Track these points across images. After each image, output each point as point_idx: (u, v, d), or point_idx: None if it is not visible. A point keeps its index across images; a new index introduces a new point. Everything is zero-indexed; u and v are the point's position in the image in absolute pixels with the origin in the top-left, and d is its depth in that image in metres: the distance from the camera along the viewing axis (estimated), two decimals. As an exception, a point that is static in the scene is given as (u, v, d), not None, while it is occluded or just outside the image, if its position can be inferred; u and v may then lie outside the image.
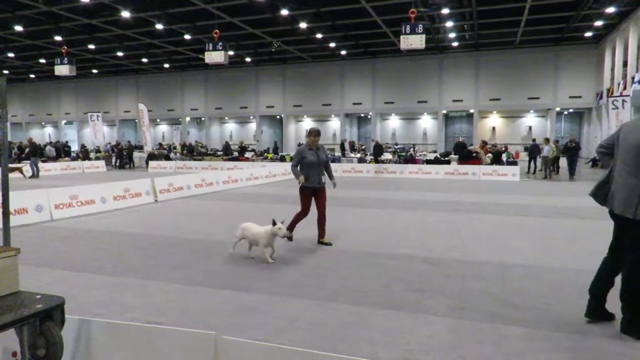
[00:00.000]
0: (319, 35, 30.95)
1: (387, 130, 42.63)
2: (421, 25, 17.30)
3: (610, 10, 25.48)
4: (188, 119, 46.96)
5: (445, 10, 25.82)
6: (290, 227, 6.62)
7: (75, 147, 40.85)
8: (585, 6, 25.04)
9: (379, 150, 24.45)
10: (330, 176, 6.88)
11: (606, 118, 25.30)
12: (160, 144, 37.43)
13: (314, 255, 6.12)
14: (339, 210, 10.23)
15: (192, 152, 29.73)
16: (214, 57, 21.72)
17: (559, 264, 5.61)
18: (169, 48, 35.44)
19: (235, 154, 27.72)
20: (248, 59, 39.48)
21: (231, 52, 33.19)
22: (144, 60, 40.01)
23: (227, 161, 25.21)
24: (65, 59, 24.77)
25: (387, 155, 25.88)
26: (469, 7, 25.72)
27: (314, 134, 6.73)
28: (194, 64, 42.33)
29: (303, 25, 28.00)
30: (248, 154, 29.54)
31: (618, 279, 3.68)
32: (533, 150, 21.13)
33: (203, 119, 46.71)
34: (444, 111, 38.71)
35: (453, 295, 4.51)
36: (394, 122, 42.86)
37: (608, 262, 3.75)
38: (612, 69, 30.72)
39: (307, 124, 45.54)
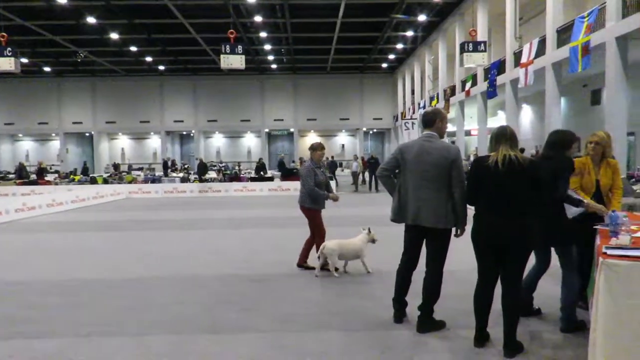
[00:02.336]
0: (133, 48, 29.02)
1: (212, 149, 42.09)
2: (241, 46, 17.62)
3: (399, 46, 30.01)
4: (-35, 136, 38.85)
5: (263, 34, 26.90)
6: (305, 256, 6.13)
7: None
8: (381, 41, 28.95)
9: (203, 168, 23.91)
10: (330, 191, 6.24)
11: (401, 137, 29.46)
12: None
13: (128, 287, 5.59)
14: (159, 235, 9.63)
15: (-29, 176, 24.53)
16: (0, 64, 18.45)
17: (385, 267, 6.18)
18: None
19: (33, 176, 23.85)
20: (47, 69, 34.71)
21: (25, 60, 28.72)
22: None
23: (21, 185, 21.49)
24: None
25: (211, 174, 25.46)
26: (285, 33, 27.29)
27: (320, 148, 6.01)
28: (-28, 71, 35.25)
29: (114, 36, 25.91)
30: (50, 177, 25.70)
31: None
32: (331, 166, 23.41)
33: (-13, 136, 39.19)
34: (267, 130, 40.07)
35: (278, 311, 4.60)
36: (218, 140, 42.58)
37: (405, 272, 4.09)
38: (404, 96, 36.13)
39: (122, 142, 42.08)
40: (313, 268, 5.99)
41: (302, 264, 6.22)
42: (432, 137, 3.94)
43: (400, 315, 4.16)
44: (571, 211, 3.92)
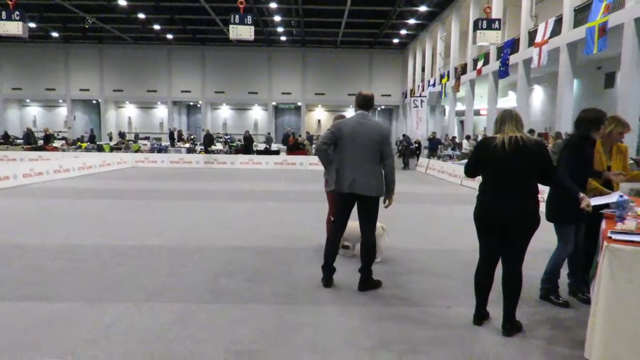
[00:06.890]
0: (141, 15, 28.64)
1: (218, 120, 41.98)
2: (250, 17, 17.34)
3: (412, 21, 29.38)
4: (-26, 100, 38.91)
5: (273, 5, 26.41)
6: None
7: None
8: (393, 16, 28.35)
9: (209, 140, 23.89)
10: None
11: (409, 114, 29.19)
12: None
13: (134, 255, 5.66)
14: (164, 204, 9.71)
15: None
16: (8, 28, 18.27)
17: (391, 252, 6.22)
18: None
19: (40, 142, 23.99)
20: (55, 34, 34.42)
21: (32, 25, 28.49)
22: None
23: (29, 151, 21.64)
24: None
25: (218, 146, 25.47)
26: (295, 4, 26.77)
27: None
28: (-20, 34, 35.02)
29: (122, 2, 25.55)
30: (57, 143, 25.82)
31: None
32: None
33: (-5, 100, 39.22)
34: (274, 103, 39.79)
35: (279, 283, 4.66)
36: (225, 112, 42.40)
37: (336, 238, 4.55)
38: (414, 73, 35.58)
39: (129, 110, 42.03)
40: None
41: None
42: (366, 116, 4.41)
43: (330, 280, 4.51)
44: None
